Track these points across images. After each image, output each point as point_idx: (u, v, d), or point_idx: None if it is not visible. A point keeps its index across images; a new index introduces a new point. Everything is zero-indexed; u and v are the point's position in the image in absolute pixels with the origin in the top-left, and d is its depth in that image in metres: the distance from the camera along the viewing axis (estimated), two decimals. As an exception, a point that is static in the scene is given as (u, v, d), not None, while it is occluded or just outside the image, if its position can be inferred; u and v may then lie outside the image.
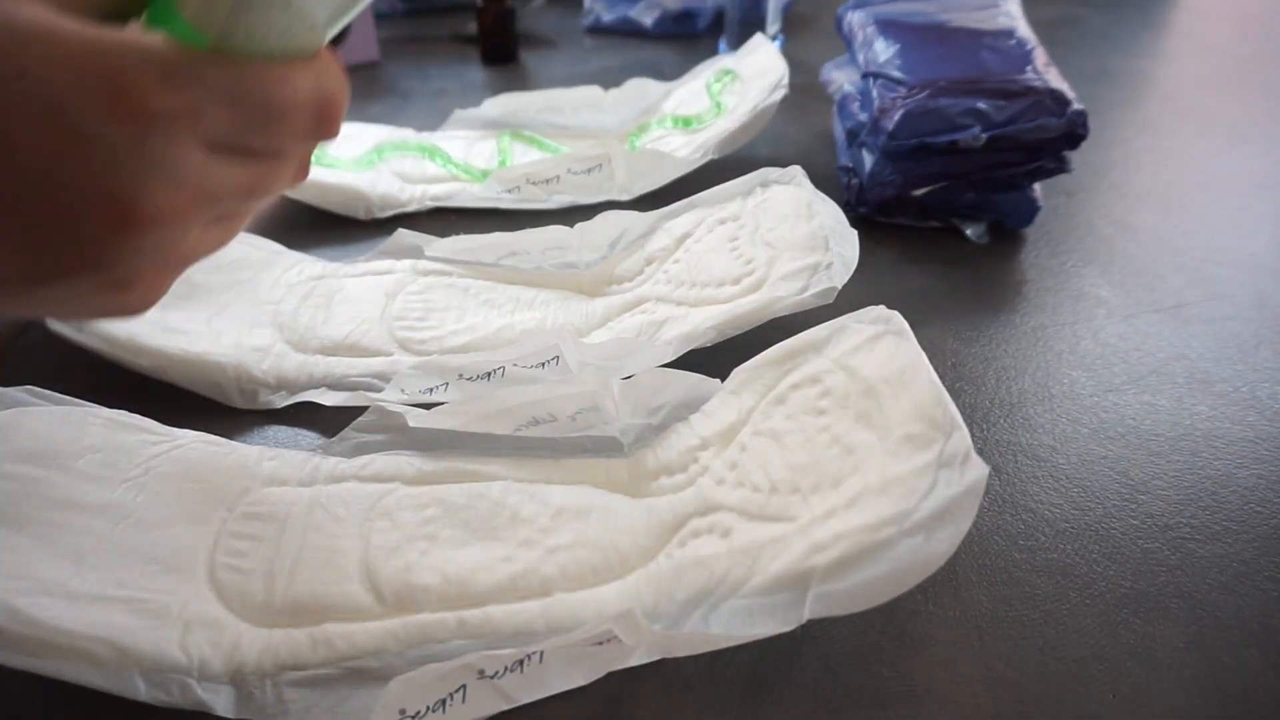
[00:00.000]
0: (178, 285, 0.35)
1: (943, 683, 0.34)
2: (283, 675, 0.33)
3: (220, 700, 0.32)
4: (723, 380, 0.43)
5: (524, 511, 0.38)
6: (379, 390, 0.46)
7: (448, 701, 0.31)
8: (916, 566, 0.31)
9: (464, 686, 0.31)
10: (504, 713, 0.33)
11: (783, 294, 0.47)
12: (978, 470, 0.32)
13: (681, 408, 0.43)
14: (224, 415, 0.46)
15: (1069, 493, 0.42)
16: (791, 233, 0.49)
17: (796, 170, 0.54)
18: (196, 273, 0.49)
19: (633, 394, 0.43)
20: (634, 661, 0.32)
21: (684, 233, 0.54)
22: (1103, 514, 0.41)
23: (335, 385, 0.47)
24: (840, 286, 0.46)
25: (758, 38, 0.73)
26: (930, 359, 0.49)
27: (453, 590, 0.36)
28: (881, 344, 0.39)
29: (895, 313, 0.40)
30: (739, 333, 0.47)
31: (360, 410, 0.44)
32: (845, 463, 0.36)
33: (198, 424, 0.42)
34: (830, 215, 0.51)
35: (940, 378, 0.48)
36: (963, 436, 0.33)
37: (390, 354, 0.49)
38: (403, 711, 0.31)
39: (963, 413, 0.46)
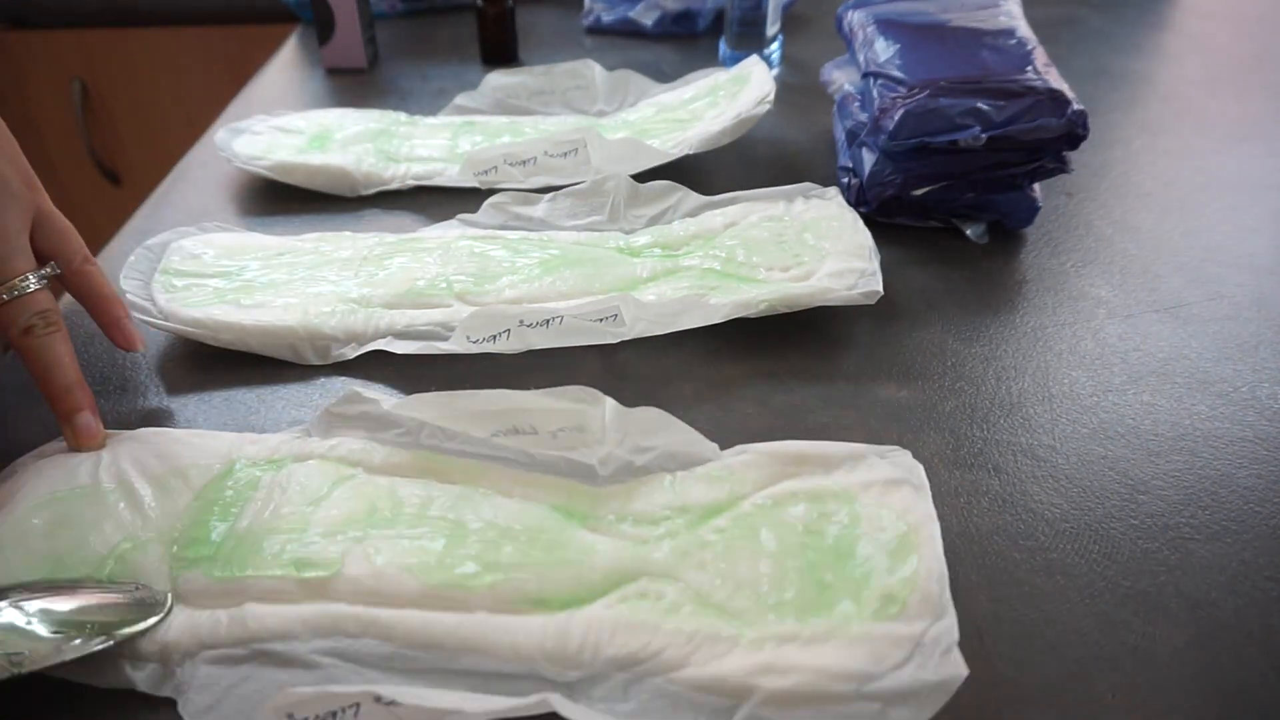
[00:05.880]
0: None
1: (943, 683, 0.34)
2: (202, 654, 0.34)
3: (141, 677, 0.33)
4: (722, 448, 0.41)
5: (472, 523, 0.38)
6: (444, 339, 0.49)
7: (339, 715, 0.30)
8: None
9: (357, 704, 0.31)
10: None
11: (833, 286, 0.50)
12: (956, 669, 0.31)
13: (670, 458, 0.41)
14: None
15: (1069, 493, 0.42)
16: (839, 240, 0.55)
17: (835, 190, 0.61)
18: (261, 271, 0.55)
19: (624, 424, 0.41)
20: (534, 713, 0.31)
21: (730, 221, 0.58)
22: (1103, 514, 0.41)
23: (401, 335, 0.50)
24: (883, 292, 0.50)
25: (753, 58, 0.74)
26: (930, 359, 0.50)
27: (376, 586, 0.35)
28: (898, 493, 0.37)
29: (919, 464, 0.39)
30: (788, 311, 0.50)
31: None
32: (818, 597, 0.34)
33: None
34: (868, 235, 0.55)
35: (940, 378, 0.49)
36: (951, 626, 0.32)
37: (449, 305, 0.52)
38: (290, 716, 0.30)
39: (963, 413, 0.46)
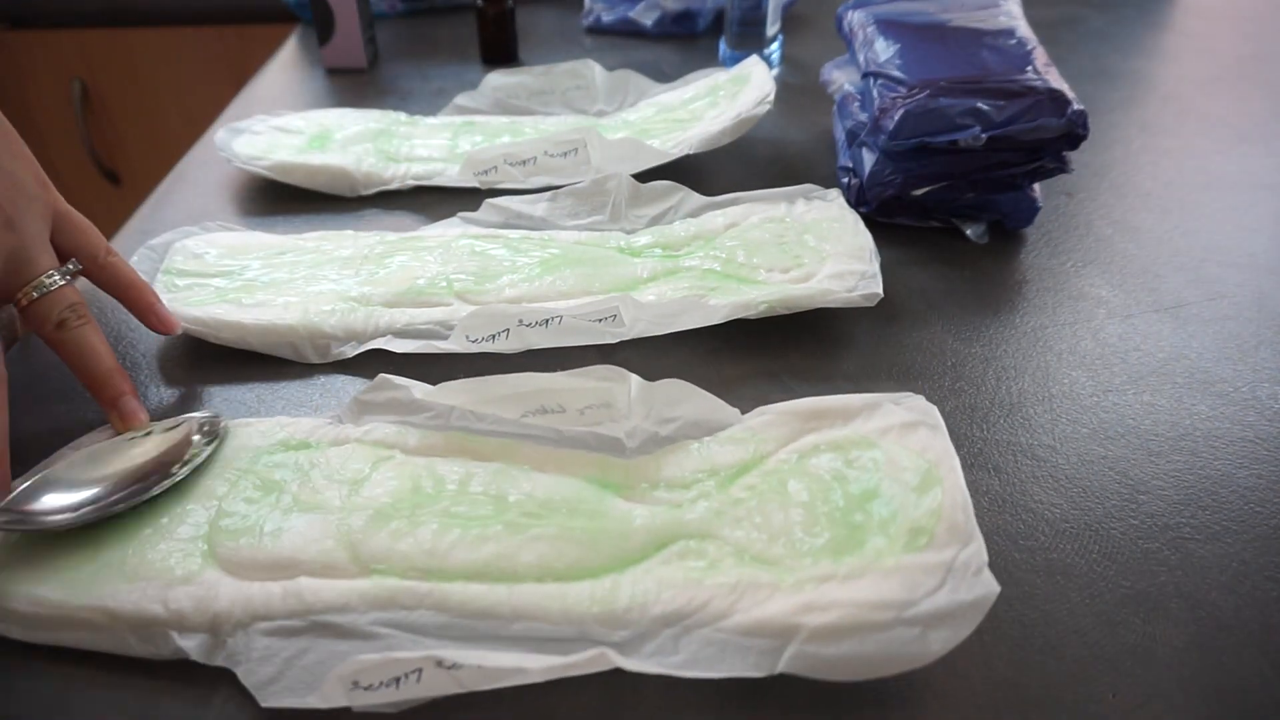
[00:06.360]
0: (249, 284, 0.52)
1: (943, 683, 0.34)
2: (255, 625, 0.35)
3: (194, 646, 0.34)
4: (743, 412, 0.43)
5: (512, 496, 0.39)
6: (443, 337, 0.50)
7: (402, 680, 0.32)
8: (904, 657, 0.31)
9: (420, 669, 0.32)
10: (501, 707, 0.33)
11: (833, 288, 0.50)
12: (988, 586, 0.32)
13: (694, 426, 0.42)
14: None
15: (1069, 493, 0.42)
16: (839, 241, 0.55)
17: (837, 192, 0.61)
18: (263, 270, 0.55)
19: (649, 398, 0.43)
20: (592, 670, 0.32)
21: (731, 222, 0.59)
22: (1103, 514, 0.41)
23: (400, 334, 0.50)
24: (883, 294, 0.50)
25: (753, 58, 0.74)
26: (930, 359, 0.50)
27: (427, 561, 0.36)
28: (915, 434, 0.39)
29: (933, 406, 0.40)
30: (787, 312, 0.50)
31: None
32: (850, 537, 0.36)
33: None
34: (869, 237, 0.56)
35: (940, 378, 0.49)
36: (980, 549, 0.33)
37: (449, 304, 0.52)
38: (355, 683, 0.32)
39: (963, 412, 0.47)
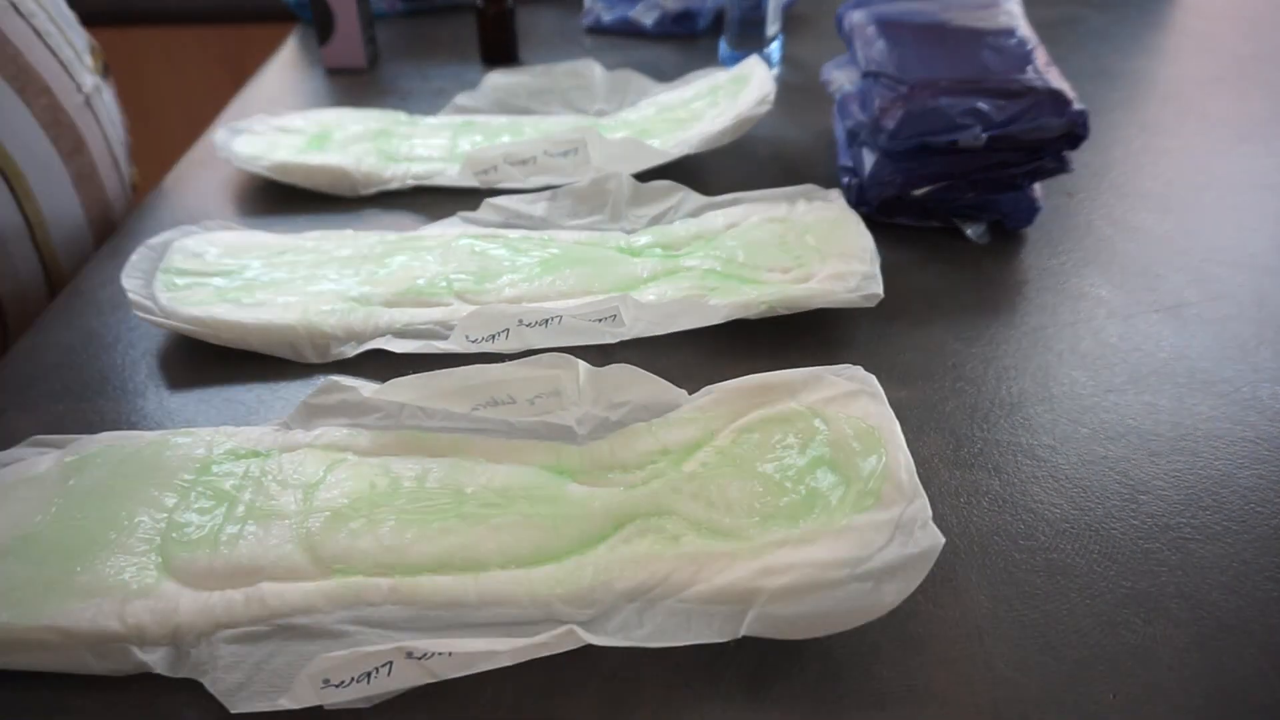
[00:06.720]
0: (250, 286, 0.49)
1: (943, 683, 0.34)
2: (218, 633, 0.34)
3: (157, 659, 0.34)
4: (690, 394, 0.44)
5: (469, 488, 0.39)
6: (443, 338, 0.50)
7: (373, 674, 0.32)
8: (860, 610, 0.33)
9: (390, 663, 0.32)
10: (501, 708, 0.33)
11: (833, 288, 0.51)
12: (933, 538, 0.33)
13: (643, 409, 0.43)
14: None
15: (1069, 493, 0.42)
16: (840, 242, 0.55)
17: (837, 192, 0.61)
18: (263, 271, 0.55)
19: (597, 384, 0.43)
20: (561, 648, 0.33)
21: (731, 222, 0.59)
22: (1103, 514, 0.41)
23: (400, 334, 0.50)
24: (883, 295, 0.51)
25: (754, 59, 0.74)
26: (930, 359, 0.50)
27: (389, 557, 0.36)
28: (856, 402, 0.41)
29: (872, 375, 0.42)
30: (788, 313, 0.50)
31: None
32: (801, 503, 0.37)
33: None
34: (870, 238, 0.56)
35: (941, 378, 0.49)
36: (923, 505, 0.35)
37: (449, 304, 0.52)
38: (326, 681, 0.32)
39: (963, 413, 0.47)
